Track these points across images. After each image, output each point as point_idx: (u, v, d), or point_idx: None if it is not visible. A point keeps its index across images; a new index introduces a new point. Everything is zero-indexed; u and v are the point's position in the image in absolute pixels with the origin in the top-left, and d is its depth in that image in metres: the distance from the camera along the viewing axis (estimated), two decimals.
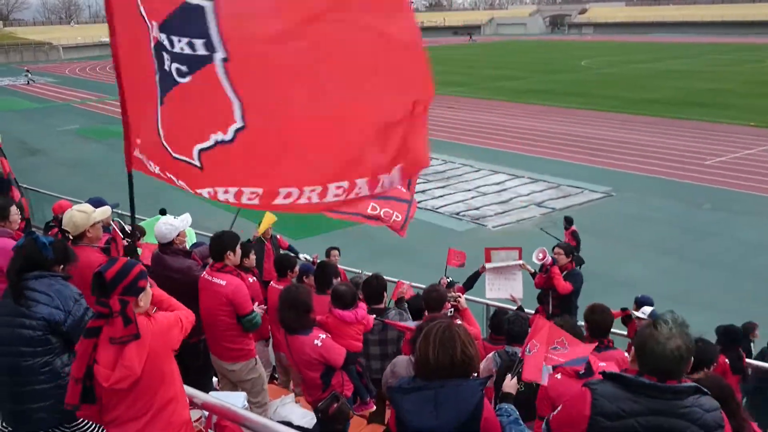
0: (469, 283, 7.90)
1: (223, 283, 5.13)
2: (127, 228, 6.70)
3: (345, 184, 3.11)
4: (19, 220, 5.61)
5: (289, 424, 5.30)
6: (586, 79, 48.66)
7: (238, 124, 3.12)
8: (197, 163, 3.34)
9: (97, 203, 5.52)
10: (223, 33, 2.95)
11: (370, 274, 6.51)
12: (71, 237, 4.92)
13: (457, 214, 18.58)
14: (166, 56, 3.22)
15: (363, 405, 5.42)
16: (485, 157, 24.85)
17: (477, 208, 19.02)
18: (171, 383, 3.30)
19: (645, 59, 60.97)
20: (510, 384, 3.65)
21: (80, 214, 4.95)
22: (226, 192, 3.36)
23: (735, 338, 6.77)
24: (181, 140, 3.36)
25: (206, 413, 4.46)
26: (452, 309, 6.15)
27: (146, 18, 3.25)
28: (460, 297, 6.16)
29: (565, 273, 8.01)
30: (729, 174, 21.79)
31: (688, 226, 17.04)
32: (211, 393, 4.55)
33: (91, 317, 3.12)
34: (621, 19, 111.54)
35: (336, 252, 9.17)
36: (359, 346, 5.30)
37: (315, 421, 5.13)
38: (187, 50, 3.07)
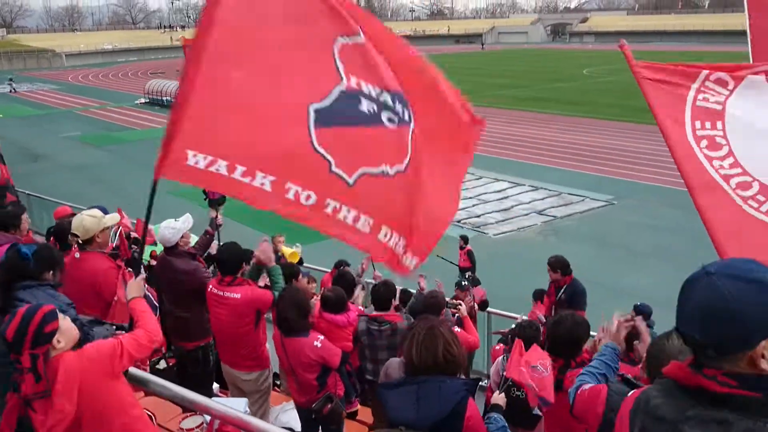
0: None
1: (238, 296, 5.10)
2: (133, 234, 6.73)
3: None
4: (28, 228, 5.63)
5: (290, 430, 5.31)
6: (588, 88, 48.76)
7: (401, 168, 3.77)
8: (351, 181, 3.63)
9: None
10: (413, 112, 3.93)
11: (375, 280, 6.52)
12: (81, 241, 4.90)
13: (459, 221, 18.58)
14: (367, 101, 3.78)
15: (348, 404, 5.45)
16: (487, 164, 24.85)
17: (478, 216, 19.03)
18: (120, 411, 3.19)
19: None
20: (498, 398, 3.74)
21: (91, 219, 4.92)
22: (348, 212, 3.63)
23: None
24: (346, 157, 3.65)
25: (207, 419, 4.46)
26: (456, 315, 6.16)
27: (342, 71, 3.71)
28: (460, 305, 6.18)
29: (565, 287, 7.97)
30: None
31: (690, 234, 16.97)
32: (213, 399, 4.54)
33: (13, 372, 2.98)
34: (622, 27, 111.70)
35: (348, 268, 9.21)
36: (350, 347, 5.38)
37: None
38: (398, 114, 3.84)
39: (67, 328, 3.06)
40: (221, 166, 3.34)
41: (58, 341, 2.98)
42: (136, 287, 3.78)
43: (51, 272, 3.89)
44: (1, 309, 3.65)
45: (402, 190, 3.78)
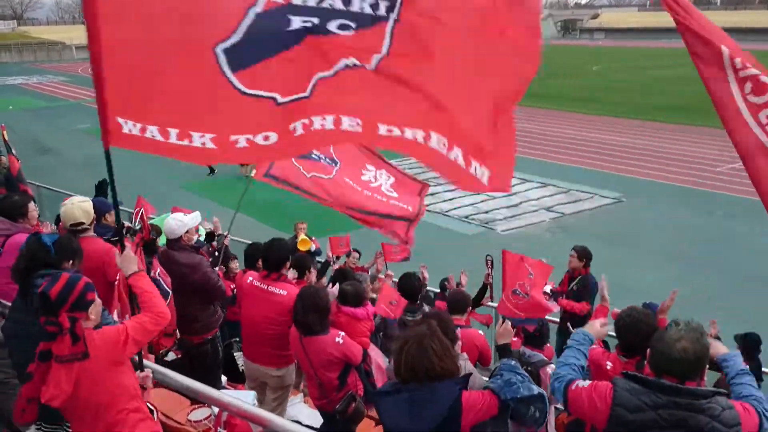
0: (477, 302, 7.66)
1: (285, 293, 5.13)
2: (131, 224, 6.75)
3: (445, 140, 3.38)
4: (37, 216, 5.67)
5: (297, 423, 5.32)
6: (598, 84, 48.52)
7: (383, 53, 3.26)
8: (307, 94, 3.24)
9: (102, 204, 5.57)
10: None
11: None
12: (87, 226, 4.98)
13: (467, 217, 18.57)
14: (299, 17, 3.17)
15: (368, 404, 5.45)
16: None
17: (486, 212, 18.99)
18: (117, 400, 3.21)
19: (657, 65, 60.74)
20: (502, 331, 3.53)
21: (87, 203, 5.09)
22: (323, 119, 3.29)
23: (755, 346, 6.72)
24: (293, 80, 3.23)
25: (215, 411, 4.49)
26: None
27: None
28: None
29: (579, 278, 7.95)
30: (740, 181, 21.65)
31: (699, 232, 16.96)
32: (221, 391, 4.56)
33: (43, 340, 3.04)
34: (633, 24, 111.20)
35: (356, 254, 9.24)
36: (368, 343, 5.34)
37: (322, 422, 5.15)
38: (367, 10, 3.21)
39: (99, 305, 3.17)
40: (154, 131, 3.15)
41: (90, 313, 3.09)
42: (128, 260, 3.59)
43: (70, 262, 3.91)
44: (22, 295, 3.69)
45: (397, 77, 3.32)
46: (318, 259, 9.01)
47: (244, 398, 4.20)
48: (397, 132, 3.33)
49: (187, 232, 5.70)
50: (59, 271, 3.60)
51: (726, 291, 13.35)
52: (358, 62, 3.23)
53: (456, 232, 17.49)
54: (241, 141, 3.20)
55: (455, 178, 3.49)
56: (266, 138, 3.23)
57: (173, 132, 3.14)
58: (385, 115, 3.32)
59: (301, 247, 8.26)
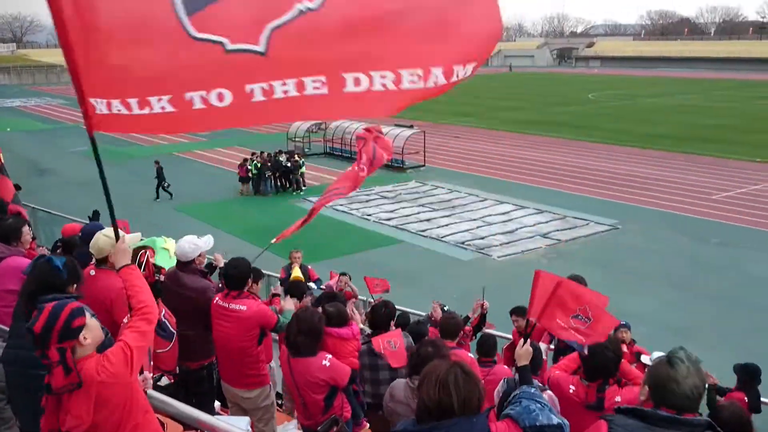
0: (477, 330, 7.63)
1: (244, 308, 5.10)
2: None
3: (419, 71, 3.14)
4: (30, 240, 5.63)
5: None
6: (593, 112, 48.91)
7: None
8: (261, 49, 3.03)
9: (95, 227, 5.49)
10: None
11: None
12: (96, 259, 4.86)
13: (463, 243, 18.57)
14: None
15: (356, 426, 5.41)
16: (491, 187, 24.90)
17: (482, 238, 19.00)
18: (133, 416, 3.19)
19: (652, 93, 61.30)
20: (522, 353, 3.49)
21: (105, 239, 4.78)
22: (284, 85, 3.12)
23: (755, 376, 6.67)
24: (244, 26, 3.05)
25: None
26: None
27: None
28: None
29: None
30: (736, 209, 21.76)
31: (694, 260, 16.99)
32: (215, 417, 4.52)
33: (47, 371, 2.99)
34: (628, 53, 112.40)
35: (346, 278, 9.24)
36: (357, 363, 5.32)
37: None
38: None
39: (94, 326, 3.08)
40: (118, 105, 3.15)
41: (85, 338, 3.00)
42: (121, 254, 3.66)
43: (75, 285, 3.89)
44: (26, 320, 3.64)
45: (343, 14, 3.09)
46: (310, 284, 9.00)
47: (237, 424, 4.16)
48: (365, 83, 3.13)
49: (199, 255, 5.68)
50: (43, 302, 3.59)
51: (720, 317, 13.34)
52: (311, 5, 3.01)
53: (452, 257, 17.49)
54: (196, 100, 3.08)
55: (429, 94, 3.22)
56: (221, 97, 3.09)
57: (133, 102, 3.11)
58: (349, 63, 3.11)
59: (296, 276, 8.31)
